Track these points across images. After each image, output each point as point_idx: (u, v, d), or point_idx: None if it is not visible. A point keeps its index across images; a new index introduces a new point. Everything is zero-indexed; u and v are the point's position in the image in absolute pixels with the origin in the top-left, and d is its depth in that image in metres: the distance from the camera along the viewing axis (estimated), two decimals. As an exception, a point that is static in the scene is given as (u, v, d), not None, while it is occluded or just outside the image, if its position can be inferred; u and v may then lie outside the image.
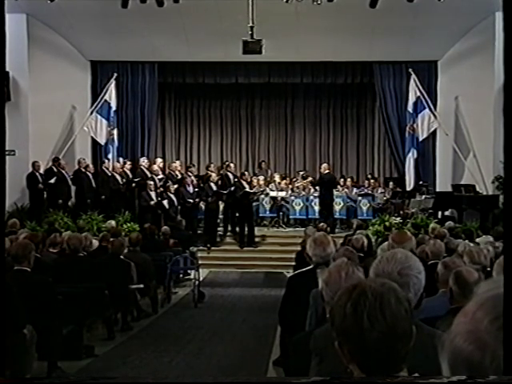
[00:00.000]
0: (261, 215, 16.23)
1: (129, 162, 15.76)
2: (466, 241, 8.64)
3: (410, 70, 15.79)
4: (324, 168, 15.53)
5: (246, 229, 14.74)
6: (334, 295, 2.17)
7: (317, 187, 15.91)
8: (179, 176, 15.69)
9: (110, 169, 15.29)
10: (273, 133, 19.07)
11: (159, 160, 16.44)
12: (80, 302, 6.71)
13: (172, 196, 14.71)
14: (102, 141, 15.96)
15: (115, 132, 16.08)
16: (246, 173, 15.84)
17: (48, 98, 14.86)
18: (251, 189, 15.08)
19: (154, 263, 9.43)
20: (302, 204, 15.86)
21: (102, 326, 7.78)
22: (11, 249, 5.92)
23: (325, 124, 18.90)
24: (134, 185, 14.82)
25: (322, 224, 12.76)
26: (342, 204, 15.77)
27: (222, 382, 1.90)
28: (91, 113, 15.83)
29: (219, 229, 15.18)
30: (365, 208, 15.65)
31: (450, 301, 3.64)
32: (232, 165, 16.42)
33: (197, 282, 10.24)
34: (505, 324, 1.00)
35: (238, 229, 14.94)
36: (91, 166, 15.41)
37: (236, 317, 9.36)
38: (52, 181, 14.51)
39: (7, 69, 12.86)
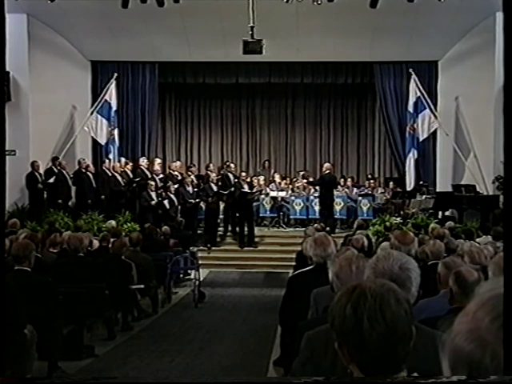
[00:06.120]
0: (261, 215, 16.25)
1: (130, 164, 15.75)
2: (467, 241, 8.63)
3: (411, 70, 15.78)
4: (325, 168, 15.49)
5: (246, 229, 14.75)
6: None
7: (317, 187, 15.88)
8: (179, 176, 15.69)
9: (111, 169, 15.29)
10: (273, 133, 19.06)
11: (158, 160, 16.42)
12: (80, 302, 6.71)
13: (172, 196, 14.72)
14: (102, 141, 15.94)
15: (116, 132, 16.06)
16: (243, 173, 15.80)
17: (48, 98, 14.85)
18: (251, 189, 15.07)
19: (154, 263, 9.44)
20: (302, 204, 15.86)
21: (102, 326, 7.77)
22: (12, 249, 5.91)
23: (325, 124, 18.89)
24: (134, 185, 14.82)
25: (322, 224, 12.74)
26: (343, 204, 15.77)
27: (223, 382, 1.91)
28: (92, 113, 15.83)
29: (219, 229, 15.18)
30: (365, 208, 15.65)
31: (450, 301, 3.64)
32: (232, 165, 16.42)
33: (197, 282, 10.24)
34: (505, 323, 1.00)
35: (238, 229, 14.94)
36: (92, 166, 15.42)
37: (236, 317, 9.36)
38: (51, 180, 14.50)
39: (7, 69, 12.85)
